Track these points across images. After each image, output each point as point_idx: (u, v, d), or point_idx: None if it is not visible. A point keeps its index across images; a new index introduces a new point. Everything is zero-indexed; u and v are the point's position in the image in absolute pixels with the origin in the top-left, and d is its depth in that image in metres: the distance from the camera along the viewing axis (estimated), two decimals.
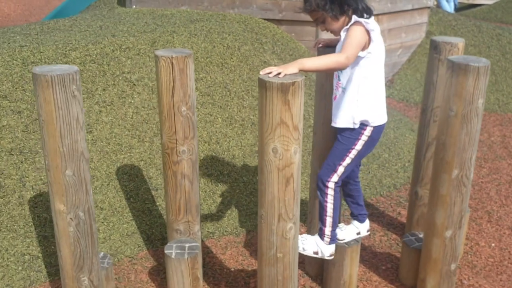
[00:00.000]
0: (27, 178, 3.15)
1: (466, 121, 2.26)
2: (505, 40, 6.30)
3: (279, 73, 1.98)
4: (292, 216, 2.14)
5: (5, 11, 10.33)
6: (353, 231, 2.66)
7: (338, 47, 2.36)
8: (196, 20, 4.62)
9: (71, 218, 2.21)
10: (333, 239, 2.52)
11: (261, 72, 2.01)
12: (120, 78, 3.76)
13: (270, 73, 1.98)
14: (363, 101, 2.33)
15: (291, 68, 2.03)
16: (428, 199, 2.54)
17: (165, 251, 2.55)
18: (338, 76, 2.38)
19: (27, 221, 3.01)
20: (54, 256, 2.85)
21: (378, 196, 3.76)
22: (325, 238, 2.50)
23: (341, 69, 2.23)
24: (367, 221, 2.71)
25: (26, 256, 2.85)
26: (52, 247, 2.90)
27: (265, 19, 4.92)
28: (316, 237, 2.53)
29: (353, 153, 2.41)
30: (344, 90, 2.36)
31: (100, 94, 3.64)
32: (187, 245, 2.60)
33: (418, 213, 3.10)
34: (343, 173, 2.42)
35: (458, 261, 2.74)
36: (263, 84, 1.95)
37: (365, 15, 2.25)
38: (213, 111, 3.85)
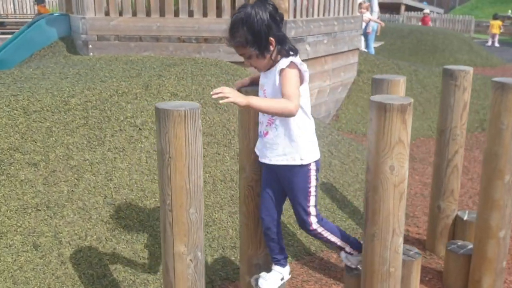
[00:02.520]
0: (61, 234, 2.90)
1: None
2: (421, 75, 7.15)
3: (227, 97, 2.03)
4: (402, 230, 2.29)
5: None
6: (277, 277, 2.57)
7: (269, 90, 2.34)
8: (173, 64, 4.63)
9: (190, 260, 2.12)
10: (358, 247, 2.62)
11: (214, 91, 2.03)
12: (125, 123, 3.64)
13: (220, 92, 2.03)
14: (304, 136, 2.35)
15: (240, 99, 2.08)
16: (480, 206, 2.84)
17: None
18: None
19: (75, 280, 2.75)
20: None
21: None
22: (354, 253, 2.64)
23: (288, 116, 2.24)
24: (288, 265, 2.65)
25: None
26: None
27: (231, 62, 5.08)
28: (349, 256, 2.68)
29: (312, 189, 2.43)
30: (277, 127, 2.34)
31: (110, 141, 3.49)
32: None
33: (442, 225, 3.41)
34: (316, 209, 2.46)
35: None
36: (382, 107, 2.13)
37: (291, 53, 2.26)
38: (219, 150, 3.87)
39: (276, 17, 2.27)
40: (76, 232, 2.95)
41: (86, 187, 3.18)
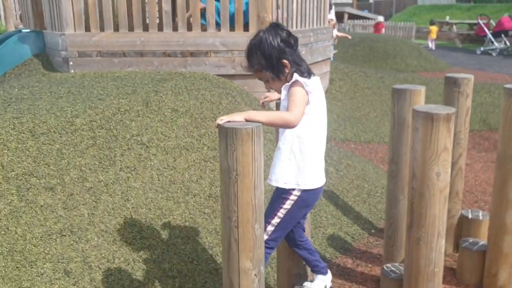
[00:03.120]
0: (90, 259, 2.81)
1: None
2: (388, 82, 7.45)
3: (224, 120, 2.07)
4: (445, 232, 2.41)
5: None
6: (321, 285, 2.67)
7: (281, 107, 2.41)
8: (163, 80, 4.59)
9: (255, 274, 2.14)
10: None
11: (217, 121, 2.08)
12: (132, 141, 3.59)
13: (222, 120, 2.07)
14: (295, 162, 2.34)
15: (238, 117, 2.10)
16: (494, 205, 3.02)
17: None
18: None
19: None
20: None
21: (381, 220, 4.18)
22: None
23: (288, 127, 2.26)
24: (329, 272, 2.74)
25: None
26: None
27: (218, 75, 5.10)
28: (319, 276, 2.69)
29: (281, 212, 2.39)
30: (278, 148, 2.38)
31: (120, 160, 3.42)
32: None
33: (448, 225, 3.57)
34: (272, 232, 2.39)
35: None
36: (429, 117, 2.24)
37: (305, 74, 2.31)
38: None
39: (290, 41, 2.34)
40: (103, 255, 2.87)
41: (105, 208, 3.11)
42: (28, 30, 5.85)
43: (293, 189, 2.36)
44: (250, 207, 2.06)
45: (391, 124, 3.01)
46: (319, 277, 2.64)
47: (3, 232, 2.68)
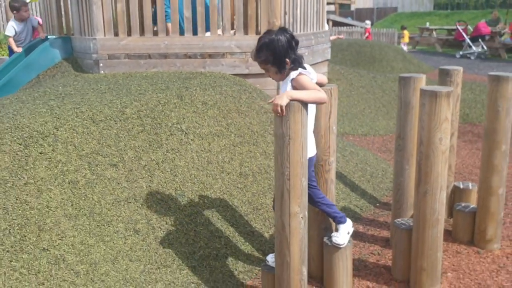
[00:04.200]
0: (152, 221, 3.39)
1: (508, 113, 3.49)
2: (379, 81, 8.13)
3: (277, 104, 2.57)
4: (446, 186, 3.04)
5: None
6: (345, 232, 3.19)
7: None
8: (188, 78, 5.18)
9: (302, 217, 2.74)
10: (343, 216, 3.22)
11: (276, 107, 2.57)
12: (174, 128, 4.16)
13: (272, 102, 2.61)
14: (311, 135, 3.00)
15: (284, 100, 2.58)
16: (482, 172, 3.67)
17: (330, 243, 3.16)
18: None
19: (173, 256, 3.25)
20: None
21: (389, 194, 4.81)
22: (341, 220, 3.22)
23: (321, 103, 2.77)
24: (348, 220, 3.23)
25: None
26: None
27: (234, 74, 5.70)
28: (341, 226, 3.21)
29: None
30: None
31: (166, 143, 4.00)
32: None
33: None
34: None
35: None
36: (434, 94, 2.87)
37: (300, 69, 2.88)
38: (250, 148, 4.48)
39: (292, 43, 2.94)
40: (162, 219, 3.44)
41: (159, 182, 3.68)
42: (55, 37, 6.39)
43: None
44: (299, 164, 2.66)
45: (398, 106, 3.65)
46: (341, 226, 3.22)
47: (83, 198, 3.24)
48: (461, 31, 18.13)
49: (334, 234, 3.22)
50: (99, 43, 5.52)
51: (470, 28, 18.58)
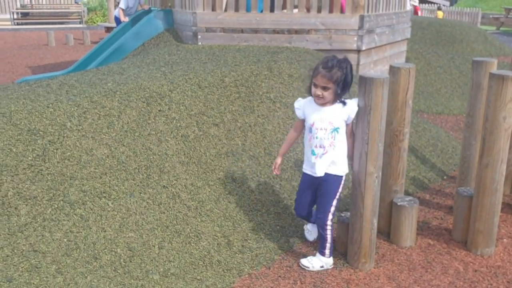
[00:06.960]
0: (245, 173, 4.02)
1: None
2: (457, 62, 8.31)
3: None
4: (506, 160, 3.44)
5: None
6: (320, 263, 3.37)
7: (338, 123, 3.15)
8: (276, 52, 5.74)
9: (376, 177, 3.26)
10: (331, 253, 3.37)
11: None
12: (264, 97, 4.76)
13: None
14: (345, 155, 3.26)
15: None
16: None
17: (399, 203, 3.66)
18: (320, 138, 3.14)
19: (263, 204, 3.88)
20: None
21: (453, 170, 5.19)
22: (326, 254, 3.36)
23: None
24: (331, 260, 3.39)
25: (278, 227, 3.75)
26: None
27: (317, 50, 6.19)
28: (318, 255, 3.37)
29: (338, 195, 3.29)
30: (334, 146, 3.15)
31: (257, 110, 4.61)
32: (406, 199, 3.74)
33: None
34: (333, 213, 3.29)
35: None
36: (501, 77, 3.26)
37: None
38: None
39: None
40: (254, 172, 4.08)
41: (251, 141, 4.31)
42: (157, 9, 7.14)
43: (343, 176, 3.29)
44: (377, 131, 3.16)
45: (470, 87, 4.03)
46: (322, 258, 3.36)
47: (193, 149, 3.93)
48: None
49: (310, 257, 3.41)
50: (199, 16, 6.18)
51: None
